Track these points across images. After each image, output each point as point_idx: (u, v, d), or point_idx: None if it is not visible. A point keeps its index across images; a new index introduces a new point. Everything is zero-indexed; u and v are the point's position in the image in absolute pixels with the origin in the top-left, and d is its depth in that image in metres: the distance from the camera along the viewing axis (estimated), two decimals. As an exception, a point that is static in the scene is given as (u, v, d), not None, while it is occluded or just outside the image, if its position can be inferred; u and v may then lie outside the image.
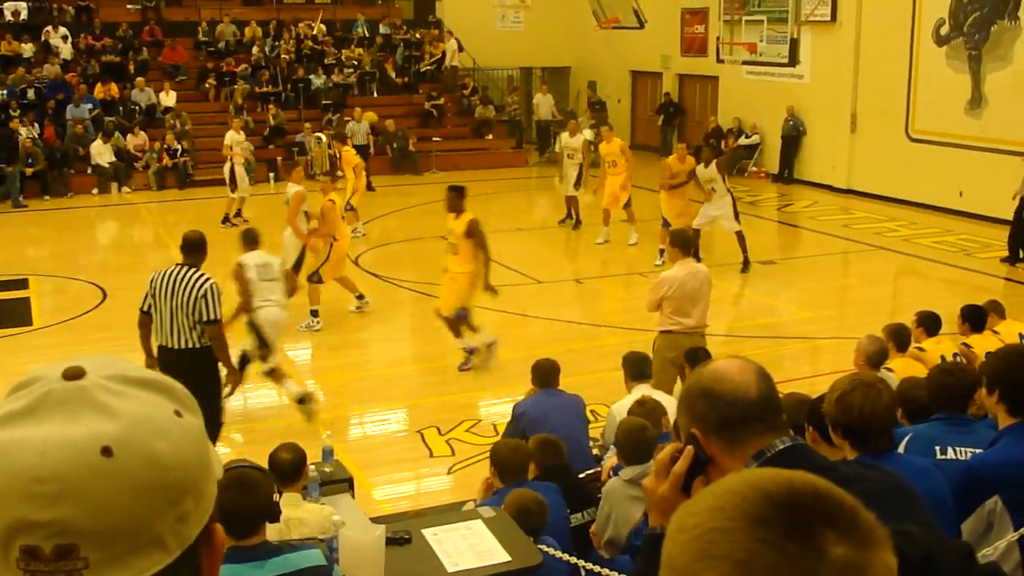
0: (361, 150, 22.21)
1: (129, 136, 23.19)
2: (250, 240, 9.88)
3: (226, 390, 8.37)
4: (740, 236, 15.12)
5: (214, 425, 7.93)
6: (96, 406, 1.03)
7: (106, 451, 1.00)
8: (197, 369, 7.73)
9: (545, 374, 7.73)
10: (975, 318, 8.59)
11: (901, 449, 5.04)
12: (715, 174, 14.93)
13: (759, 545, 1.04)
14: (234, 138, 19.44)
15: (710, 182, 14.98)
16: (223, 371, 8.24)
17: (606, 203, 17.17)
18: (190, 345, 7.87)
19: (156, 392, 1.09)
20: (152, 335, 8.02)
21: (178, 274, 7.88)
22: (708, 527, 1.07)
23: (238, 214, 19.18)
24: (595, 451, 7.67)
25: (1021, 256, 15.79)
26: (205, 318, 7.80)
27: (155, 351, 8.06)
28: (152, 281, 7.95)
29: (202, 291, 7.78)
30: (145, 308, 7.99)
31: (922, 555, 1.94)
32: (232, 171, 19.05)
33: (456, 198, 11.22)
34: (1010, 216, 15.95)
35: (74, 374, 1.06)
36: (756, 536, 1.04)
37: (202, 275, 7.91)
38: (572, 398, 7.67)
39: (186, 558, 1.06)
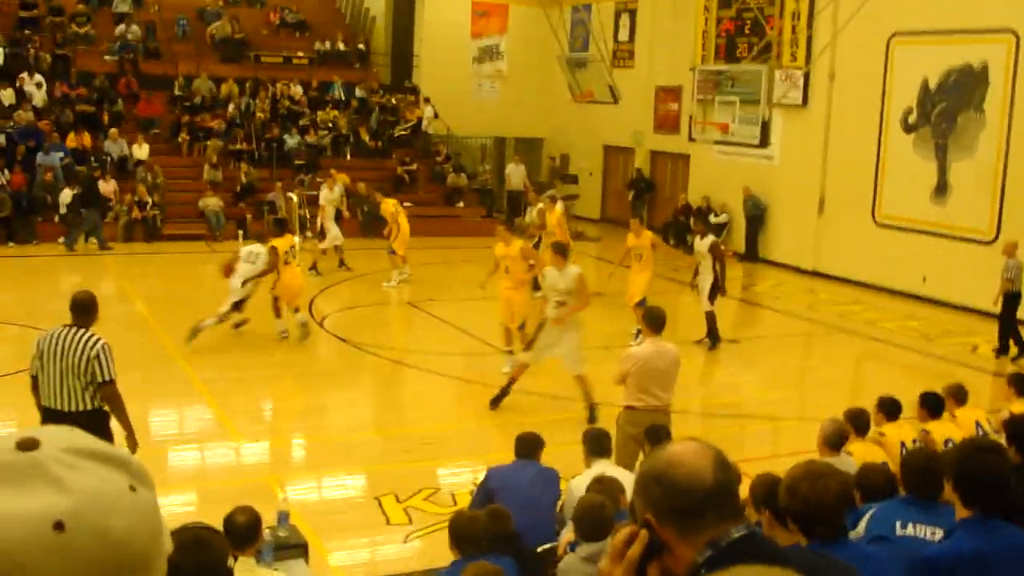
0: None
1: (100, 183, 23.08)
2: (561, 252, 12.28)
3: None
4: (709, 316, 15.12)
5: None
6: (50, 479, 1.02)
7: (59, 526, 0.99)
8: (90, 431, 7.36)
9: (525, 446, 7.73)
10: (932, 405, 8.66)
11: (863, 524, 5.07)
12: (706, 251, 15.03)
13: None
14: (327, 197, 20.68)
15: (701, 256, 15.10)
16: (123, 432, 7.90)
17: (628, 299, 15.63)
18: (81, 408, 7.59)
19: (111, 466, 1.08)
20: (41, 398, 7.74)
21: (66, 336, 7.59)
22: None
23: (341, 264, 20.52)
24: (556, 525, 7.63)
25: (1015, 351, 15.66)
26: (99, 379, 7.54)
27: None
28: (38, 344, 7.68)
29: (94, 351, 7.52)
30: (33, 373, 7.72)
31: None
32: (322, 225, 20.63)
33: None
34: (974, 303, 16.11)
35: (28, 445, 1.05)
36: None
37: (92, 335, 7.62)
38: (545, 472, 7.66)
39: None
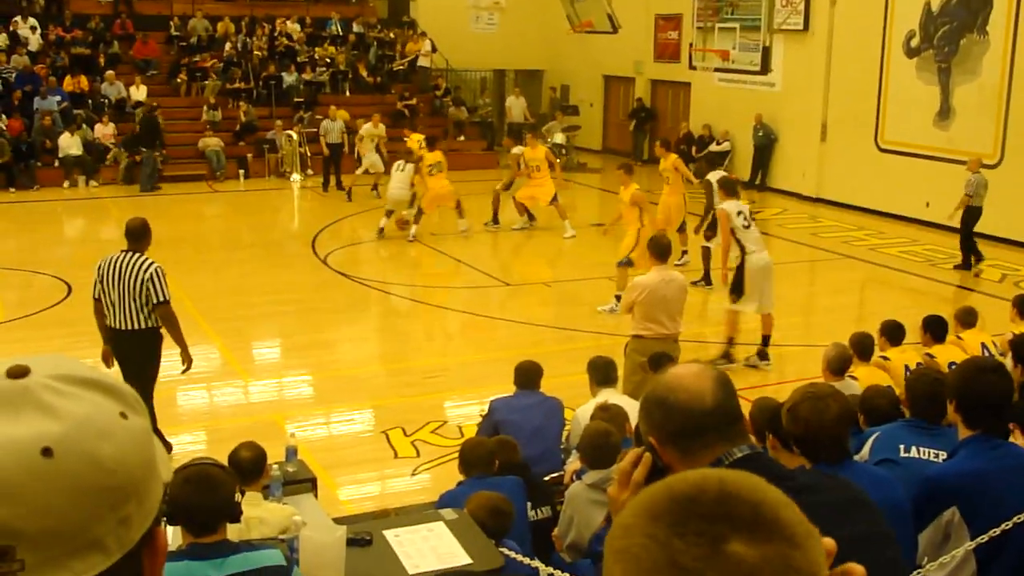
0: (334, 148, 22.19)
1: (98, 126, 23.01)
2: (730, 189, 11.75)
3: (182, 367, 8.59)
4: (704, 251, 14.85)
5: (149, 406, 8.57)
6: (39, 406, 1.02)
7: (47, 452, 0.99)
8: (146, 349, 8.32)
9: (526, 375, 7.75)
10: (936, 328, 8.66)
11: (867, 447, 5.09)
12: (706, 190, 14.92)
13: (648, 540, 1.04)
14: (369, 131, 21.15)
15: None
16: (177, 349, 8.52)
17: (661, 223, 15.18)
18: (138, 327, 8.23)
19: (102, 393, 1.07)
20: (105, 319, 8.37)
21: (123, 260, 8.19)
22: (619, 523, 1.09)
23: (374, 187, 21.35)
24: (562, 455, 7.67)
25: (973, 261, 16.30)
26: (155, 300, 8.15)
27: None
28: (99, 268, 8.27)
29: (147, 275, 8.11)
30: (95, 295, 8.30)
31: None
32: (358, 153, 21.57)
33: None
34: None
35: (18, 372, 1.04)
36: (648, 532, 1.04)
37: (146, 260, 8.22)
38: (548, 400, 7.69)
39: (127, 561, 1.05)
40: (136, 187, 21.93)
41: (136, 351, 8.32)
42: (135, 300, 8.14)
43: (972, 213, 16.10)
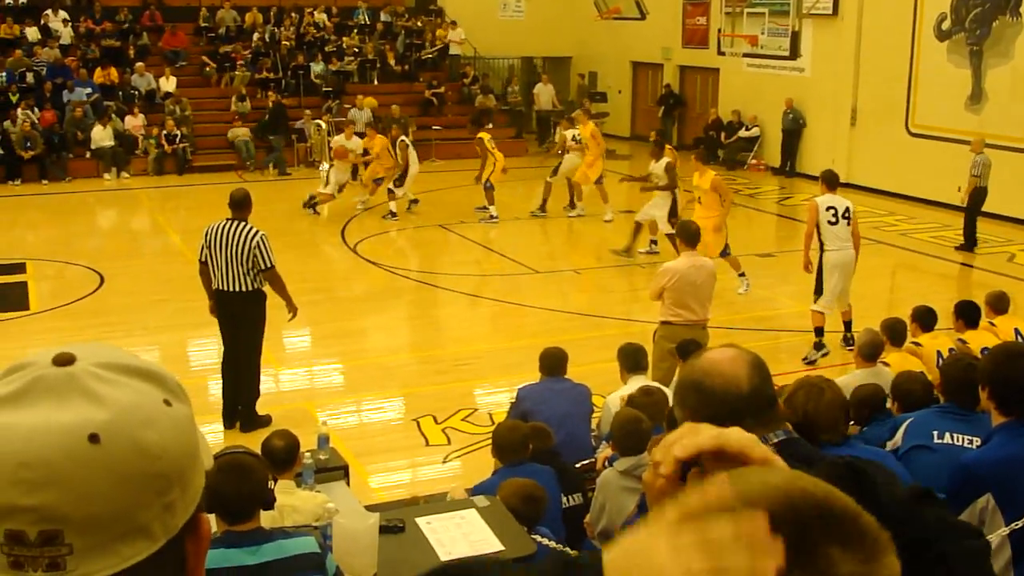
0: (362, 137, 22.18)
1: (128, 117, 23.15)
2: (831, 183, 11.41)
3: (288, 316, 9.33)
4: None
5: (255, 362, 9.39)
6: (85, 393, 1.03)
7: (93, 438, 1.00)
8: (251, 308, 9.03)
9: (552, 362, 7.74)
10: (969, 314, 8.59)
11: (899, 433, 5.08)
12: (660, 171, 14.91)
13: None
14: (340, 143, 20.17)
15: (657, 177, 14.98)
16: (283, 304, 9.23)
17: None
18: (244, 288, 8.88)
19: (146, 381, 1.08)
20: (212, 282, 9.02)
21: (230, 228, 8.82)
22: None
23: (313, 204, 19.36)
24: (592, 442, 7.67)
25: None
26: (262, 266, 8.81)
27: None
28: (207, 235, 8.91)
29: (254, 242, 8.75)
30: (202, 259, 8.95)
31: None
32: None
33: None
34: (1009, 212, 16.09)
35: (64, 360, 1.06)
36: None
37: (251, 228, 8.85)
38: (576, 387, 7.68)
39: (171, 546, 1.06)
40: (166, 177, 22.11)
41: (242, 311, 9.02)
42: (242, 265, 8.75)
43: (980, 194, 16.15)
